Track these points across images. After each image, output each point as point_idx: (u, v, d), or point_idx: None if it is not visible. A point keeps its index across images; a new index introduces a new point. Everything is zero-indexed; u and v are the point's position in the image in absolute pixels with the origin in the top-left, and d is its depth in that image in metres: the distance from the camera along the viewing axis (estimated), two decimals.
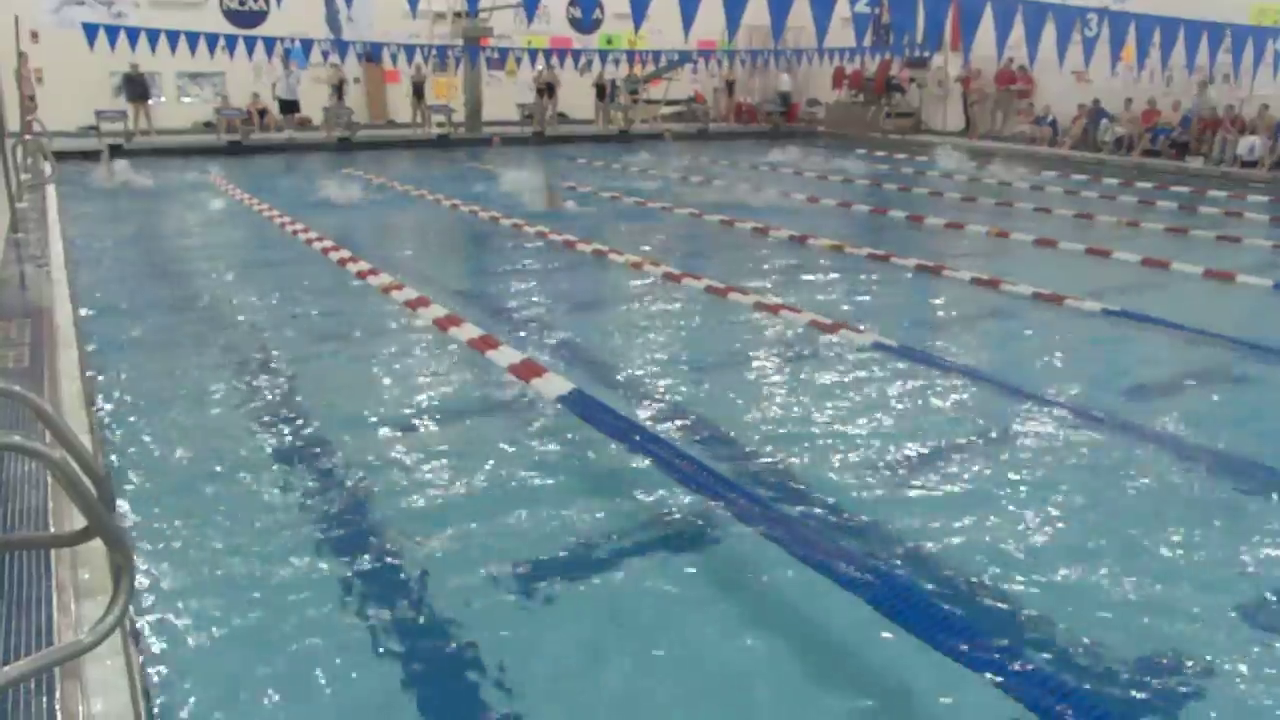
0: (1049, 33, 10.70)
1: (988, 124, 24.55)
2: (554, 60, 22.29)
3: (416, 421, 5.77)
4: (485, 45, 23.56)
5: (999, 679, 3.43)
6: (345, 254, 10.11)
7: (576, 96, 26.02)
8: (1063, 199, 15.76)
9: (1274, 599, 4.04)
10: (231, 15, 22.96)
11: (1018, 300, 8.86)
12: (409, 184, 16.55)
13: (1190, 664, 3.59)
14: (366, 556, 4.23)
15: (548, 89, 25.22)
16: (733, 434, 5.69)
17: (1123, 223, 13.26)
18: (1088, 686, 3.42)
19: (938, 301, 9.13)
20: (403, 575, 4.10)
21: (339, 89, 23.04)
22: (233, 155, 20.66)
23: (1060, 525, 4.66)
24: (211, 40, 18.24)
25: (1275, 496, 4.99)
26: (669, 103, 27.14)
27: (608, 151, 22.32)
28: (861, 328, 7.65)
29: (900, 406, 6.20)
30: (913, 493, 4.99)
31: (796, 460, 5.33)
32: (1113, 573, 4.20)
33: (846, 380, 6.68)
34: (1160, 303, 8.71)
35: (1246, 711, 3.37)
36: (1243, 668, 3.58)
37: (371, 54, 22.58)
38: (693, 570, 4.22)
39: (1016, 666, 3.51)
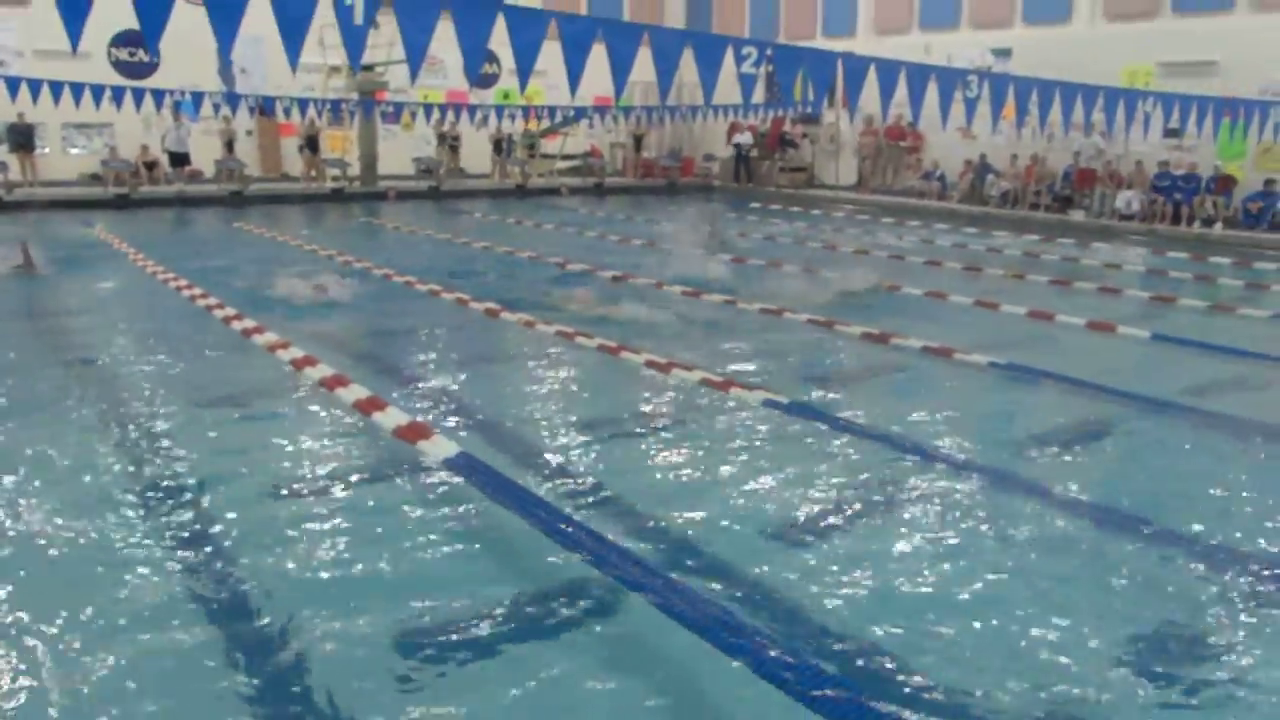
0: (933, 92, 11.04)
1: (879, 179, 25.19)
2: (450, 115, 22.24)
3: (298, 486, 5.57)
4: (381, 99, 23.42)
5: None
6: (230, 311, 9.81)
7: (473, 151, 25.97)
8: (951, 252, 16.18)
9: (1147, 643, 4.14)
10: (120, 66, 22.40)
11: (907, 354, 8.99)
12: (300, 239, 16.25)
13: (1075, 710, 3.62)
14: (242, 631, 4.05)
15: (451, 142, 25.14)
16: (623, 495, 5.61)
17: (1010, 275, 13.66)
18: None
19: (828, 356, 9.21)
20: (280, 651, 3.92)
21: (230, 142, 22.59)
22: (120, 209, 20.04)
23: (944, 577, 4.69)
24: (98, 91, 17.74)
25: (1153, 544, 5.09)
26: (565, 157, 27.26)
27: (505, 207, 22.27)
28: (752, 385, 7.67)
29: (791, 464, 6.18)
30: (804, 550, 4.98)
31: (687, 521, 5.26)
32: (1000, 623, 4.26)
33: (737, 439, 6.65)
34: (1045, 355, 8.94)
35: None
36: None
37: (265, 107, 22.23)
38: (582, 639, 4.12)
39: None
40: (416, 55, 6.78)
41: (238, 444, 6.29)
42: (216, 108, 20.82)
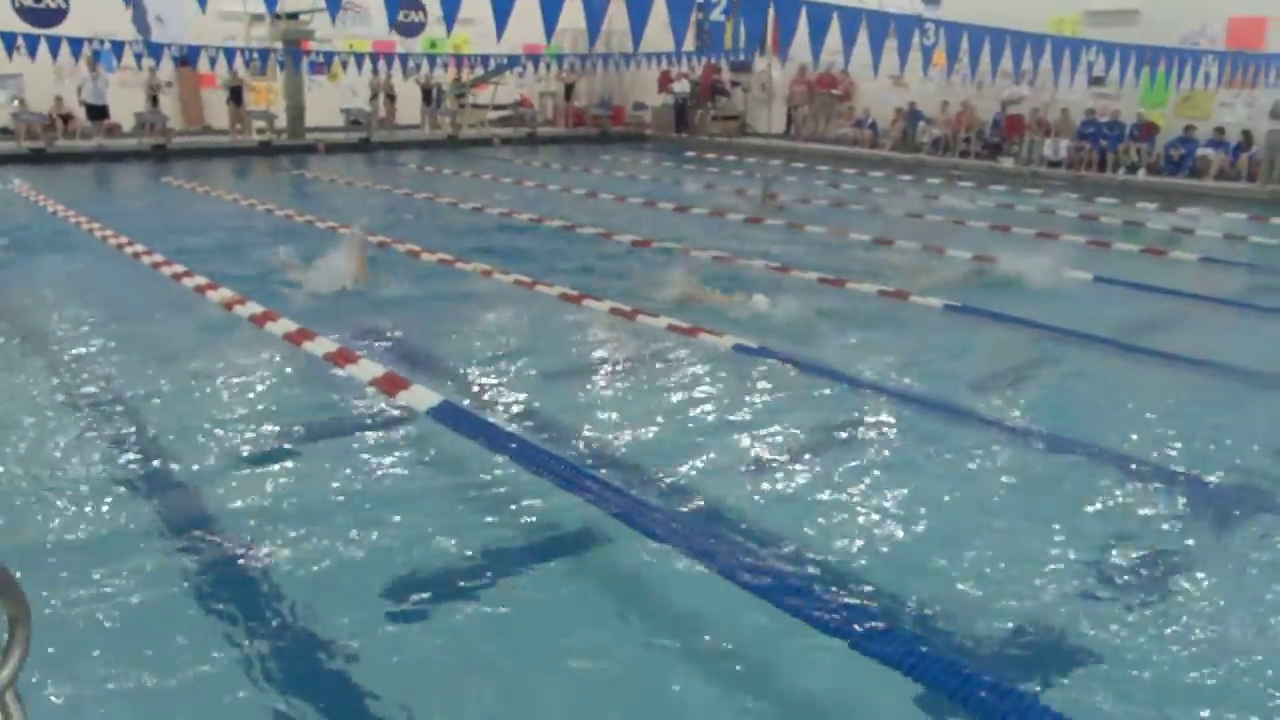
0: (864, 39, 11.10)
1: (810, 127, 25.34)
2: (381, 65, 21.79)
3: (278, 442, 5.53)
4: (307, 49, 22.82)
5: (872, 649, 3.58)
6: (179, 268, 9.59)
7: (401, 102, 25.49)
8: (890, 199, 16.41)
9: (1110, 564, 4.41)
10: (26, 13, 21.46)
11: (865, 299, 9.18)
12: (235, 192, 15.88)
13: (1047, 629, 3.88)
14: (239, 580, 4.05)
15: (388, 92, 24.68)
16: (602, 439, 5.72)
17: (950, 220, 13.92)
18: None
19: (789, 303, 9.31)
20: (282, 597, 3.95)
21: (154, 95, 21.85)
22: (36, 164, 19.31)
23: (912, 508, 4.92)
24: (9, 39, 17.01)
25: (1098, 470, 5.41)
26: (496, 107, 26.91)
27: (438, 157, 21.97)
28: (721, 331, 7.77)
29: (762, 405, 6.37)
30: (779, 484, 5.18)
31: (668, 461, 5.39)
32: (973, 550, 4.49)
33: (709, 382, 6.77)
34: (994, 297, 9.23)
35: (1100, 672, 3.62)
36: (1089, 628, 3.88)
37: (187, 58, 21.50)
38: (577, 572, 4.27)
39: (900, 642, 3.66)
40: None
41: (207, 402, 6.18)
42: (139, 58, 20.08)
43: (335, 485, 5.00)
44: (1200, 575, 4.36)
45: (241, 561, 4.23)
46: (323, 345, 6.95)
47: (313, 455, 5.40)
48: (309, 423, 5.81)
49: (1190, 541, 4.67)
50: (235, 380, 6.52)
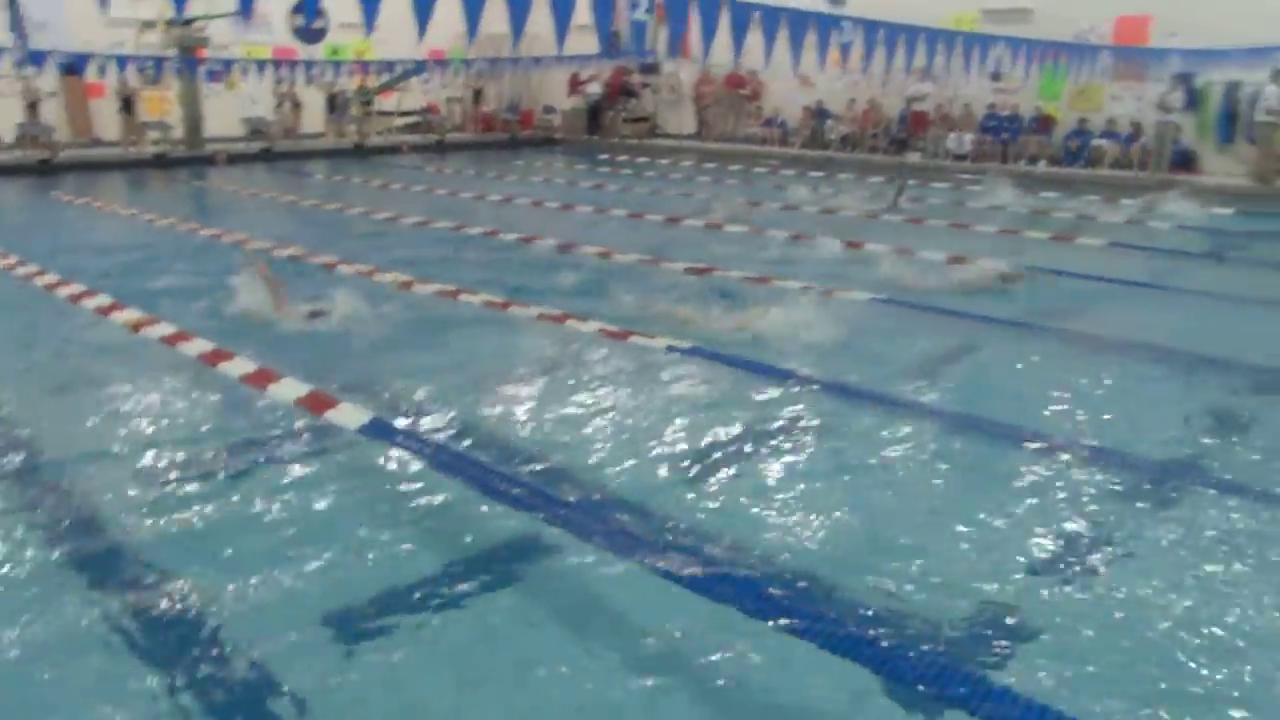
0: (767, 37, 11.14)
1: (721, 127, 25.45)
2: (284, 72, 21.27)
3: (196, 468, 5.26)
4: (203, 56, 22.15)
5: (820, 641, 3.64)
6: (77, 289, 9.17)
7: (305, 110, 24.95)
8: (805, 196, 16.54)
9: (1046, 545, 4.50)
10: None
11: (791, 294, 9.19)
12: (133, 206, 15.32)
13: (990, 611, 3.94)
14: (158, 618, 3.84)
15: (293, 101, 24.08)
16: (536, 447, 5.61)
17: (864, 215, 14.07)
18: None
19: (718, 301, 9.27)
20: (206, 633, 3.75)
21: (34, 104, 20.93)
22: None
23: (850, 499, 4.98)
24: None
25: (1018, 449, 5.56)
26: (403, 114, 26.49)
27: (345, 166, 21.53)
28: (653, 332, 7.70)
29: (702, 403, 6.36)
30: (714, 482, 5.19)
31: (603, 466, 5.37)
32: (902, 533, 4.59)
33: (645, 384, 6.71)
34: (915, 289, 9.40)
35: (1043, 650, 3.68)
36: (1031, 609, 3.94)
37: (74, 65, 20.68)
38: (517, 584, 4.19)
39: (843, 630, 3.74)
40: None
41: (116, 429, 5.86)
42: (19, 64, 19.20)
43: (259, 511, 4.79)
44: (1135, 552, 4.47)
45: (159, 598, 4.00)
46: (241, 366, 6.68)
47: (234, 481, 5.15)
48: (230, 447, 5.56)
49: (1122, 519, 4.78)
50: (147, 405, 6.22)
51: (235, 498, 4.96)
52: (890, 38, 13.68)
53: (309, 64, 21.87)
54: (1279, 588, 4.14)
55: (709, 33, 10.68)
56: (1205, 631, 3.81)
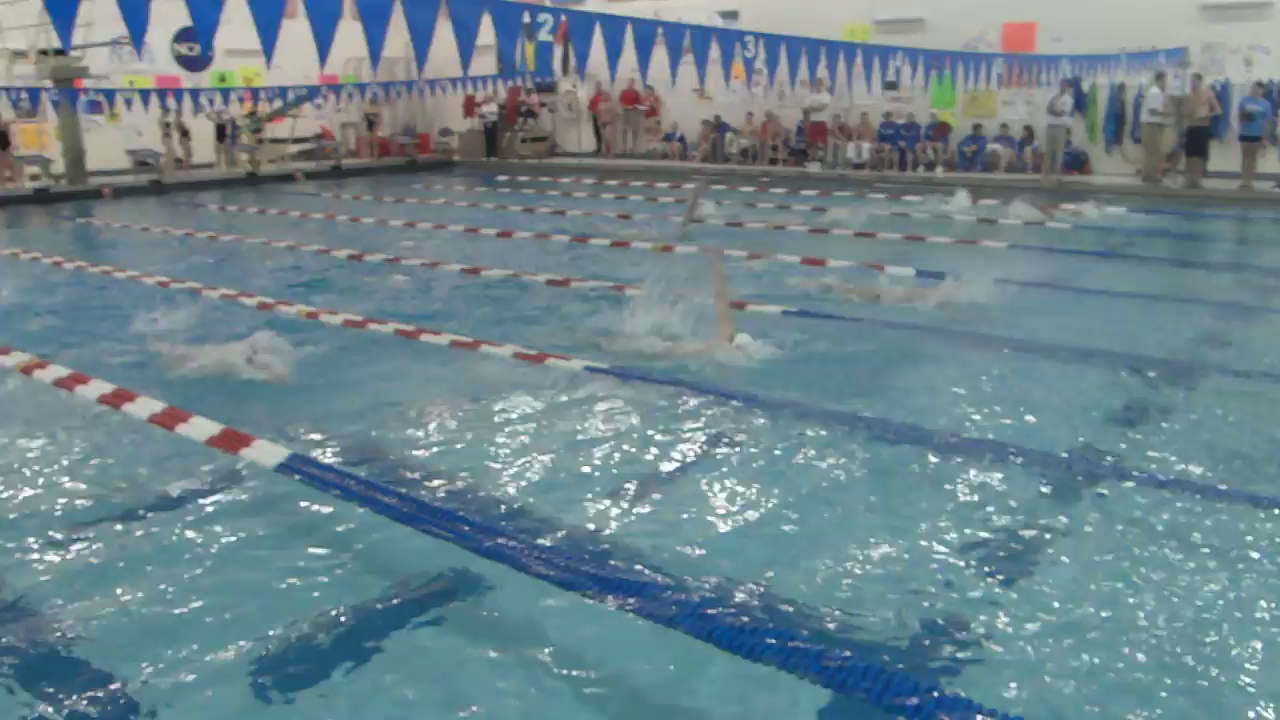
0: (668, 54, 11.08)
1: (620, 143, 25.47)
2: (170, 101, 20.60)
3: (103, 515, 4.98)
4: (81, 87, 21.32)
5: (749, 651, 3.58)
6: None
7: (194, 139, 24.21)
8: (709, 210, 16.54)
9: (972, 544, 4.54)
10: None
11: (702, 309, 9.12)
12: (14, 245, 14.60)
13: (921, 613, 3.97)
14: (71, 683, 3.58)
15: (181, 131, 23.37)
16: (456, 473, 5.48)
17: (771, 227, 14.14)
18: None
19: (631, 320, 9.17)
20: (124, 687, 3.53)
21: None
22: None
23: (774, 509, 5.01)
24: None
25: (935, 452, 5.62)
26: (296, 140, 25.91)
27: (239, 196, 20.94)
28: (569, 354, 7.56)
29: (622, 422, 6.28)
30: (649, 501, 5.14)
31: (528, 489, 5.29)
32: (836, 543, 4.60)
33: (564, 407, 6.58)
34: (823, 300, 9.51)
35: (972, 648, 3.74)
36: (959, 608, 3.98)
37: None
38: (447, 618, 4.06)
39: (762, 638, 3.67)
40: (139, 29, 6.10)
41: (13, 477, 5.54)
42: None
43: (174, 557, 4.55)
44: (1055, 544, 4.55)
45: (69, 650, 3.79)
46: (146, 406, 6.34)
47: (146, 526, 4.89)
48: (140, 491, 5.28)
49: (1037, 514, 4.86)
50: (45, 451, 5.88)
51: (140, 539, 4.75)
52: (788, 50, 13.78)
53: (195, 92, 21.22)
54: (1196, 573, 4.24)
55: (614, 51, 10.59)
56: (1138, 621, 3.88)
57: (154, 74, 23.13)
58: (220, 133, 24.23)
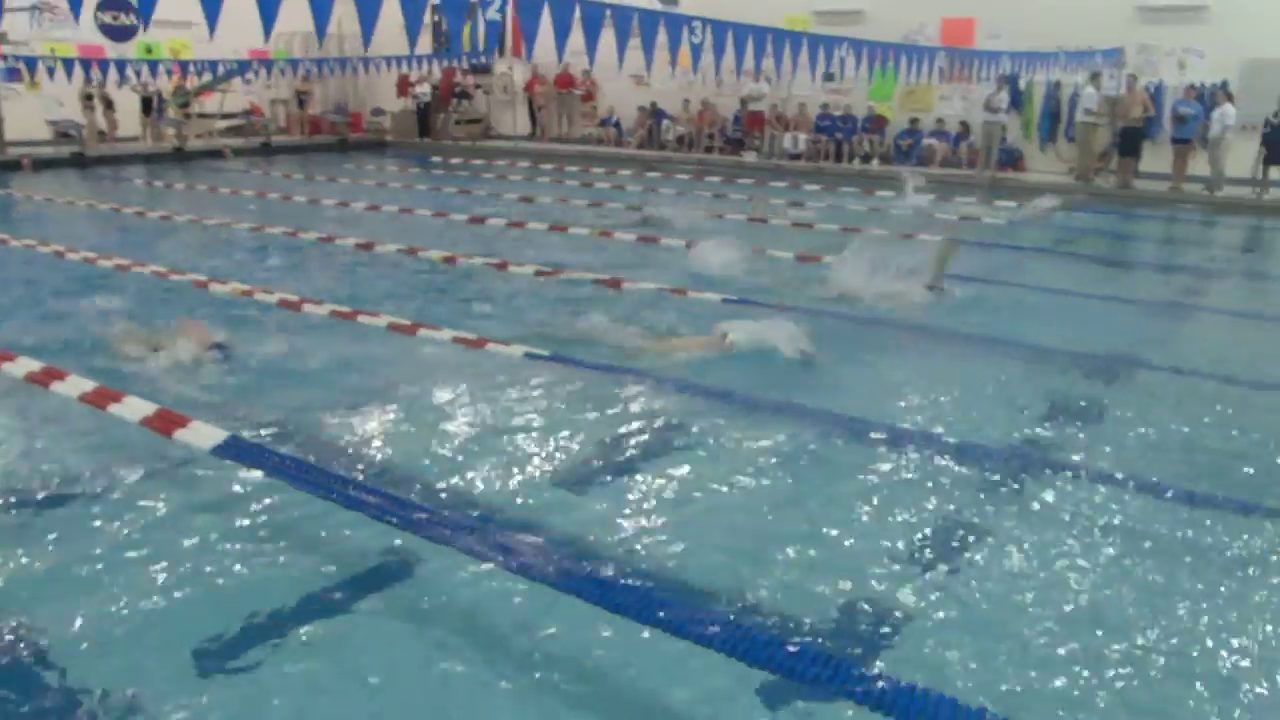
0: (610, 37, 11.02)
1: (555, 128, 25.30)
2: (95, 71, 19.95)
3: (29, 502, 4.81)
4: None
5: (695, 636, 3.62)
6: None
7: (119, 112, 23.50)
8: (642, 196, 16.54)
9: (913, 537, 4.62)
10: None
11: (647, 294, 9.12)
12: None
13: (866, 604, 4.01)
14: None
15: (105, 103, 22.64)
16: (396, 458, 5.43)
17: (709, 214, 14.14)
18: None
19: (570, 304, 9.12)
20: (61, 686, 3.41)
21: None
22: None
23: (711, 496, 5.02)
24: None
25: (877, 446, 5.67)
26: (225, 116, 25.28)
27: (165, 172, 20.39)
28: (510, 340, 7.48)
29: (563, 409, 6.25)
30: (594, 489, 5.12)
31: (474, 474, 5.22)
32: (787, 537, 4.58)
33: (509, 391, 6.52)
34: (764, 289, 9.52)
35: (917, 637, 3.78)
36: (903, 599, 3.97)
37: None
38: (388, 602, 4.01)
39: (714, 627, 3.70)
40: None
41: None
42: None
43: (104, 542, 4.42)
44: (994, 536, 4.62)
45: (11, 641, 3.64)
46: (76, 385, 6.13)
47: (73, 509, 4.74)
48: (70, 473, 5.10)
49: (979, 507, 4.93)
50: None
51: (66, 522, 4.60)
52: (734, 37, 13.76)
53: (122, 63, 20.60)
54: (1132, 567, 4.34)
55: (562, 32, 10.48)
56: (1076, 611, 3.97)
57: (76, 42, 22.40)
58: (146, 106, 23.56)
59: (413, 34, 9.48)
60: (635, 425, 5.95)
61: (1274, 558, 4.47)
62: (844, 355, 7.56)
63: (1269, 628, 3.88)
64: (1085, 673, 3.56)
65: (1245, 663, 3.67)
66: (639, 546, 4.43)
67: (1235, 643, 3.77)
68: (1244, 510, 4.90)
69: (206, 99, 24.64)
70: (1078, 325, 8.59)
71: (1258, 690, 3.51)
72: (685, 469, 5.36)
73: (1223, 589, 4.17)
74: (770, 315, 7.73)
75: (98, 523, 4.61)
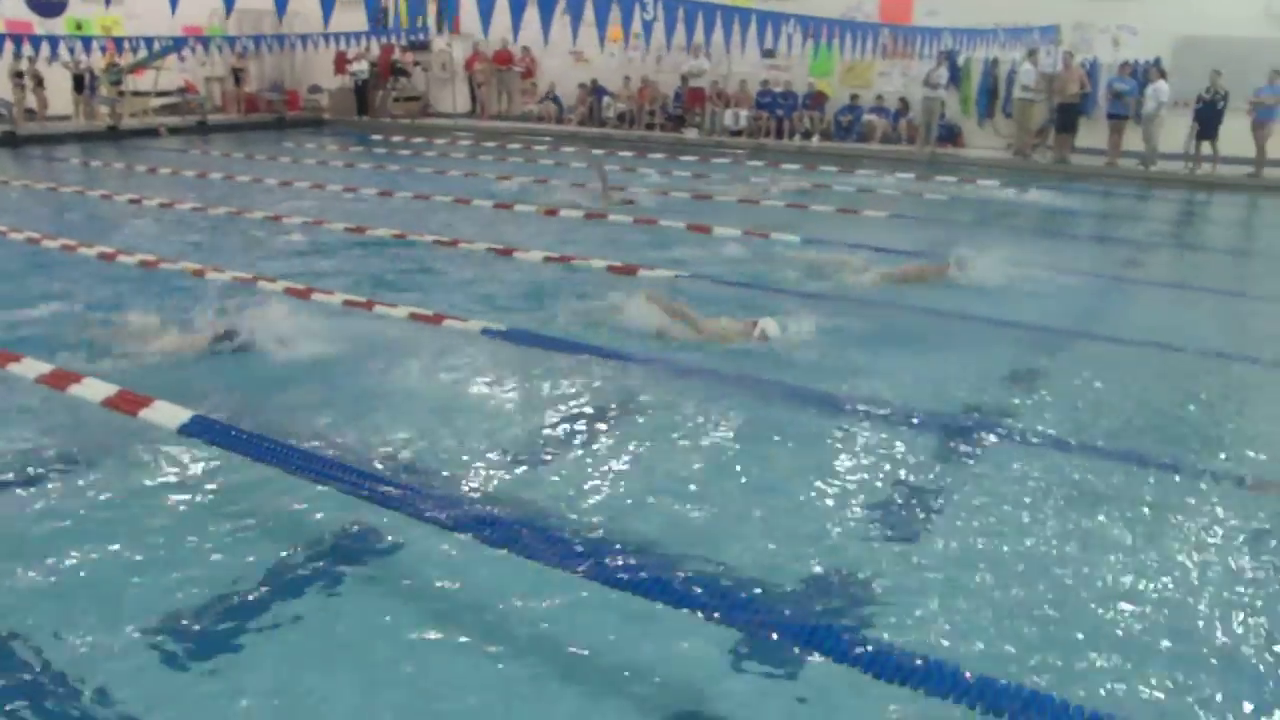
0: (545, 13, 11.00)
1: (495, 105, 25.18)
2: (25, 47, 19.47)
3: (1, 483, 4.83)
4: None
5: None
6: None
7: (50, 90, 22.92)
8: (587, 174, 16.57)
9: (879, 504, 4.78)
10: None
11: (594, 274, 9.23)
12: None
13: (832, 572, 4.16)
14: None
15: (35, 80, 22.10)
16: (356, 433, 5.50)
17: (656, 192, 14.24)
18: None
19: (520, 281, 9.17)
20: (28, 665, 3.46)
21: None
22: None
23: (683, 473, 5.11)
24: None
25: (837, 416, 5.84)
26: (160, 94, 24.78)
27: (100, 151, 19.99)
28: (466, 315, 7.55)
29: (523, 384, 6.40)
30: (547, 460, 5.27)
31: (437, 449, 5.34)
32: (745, 505, 4.74)
33: (467, 367, 6.64)
34: (712, 265, 9.67)
35: (880, 601, 3.94)
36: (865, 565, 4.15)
37: None
38: (365, 573, 4.13)
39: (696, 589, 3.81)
40: None
41: None
42: None
43: (70, 523, 4.45)
44: (953, 501, 4.82)
45: None
46: (32, 367, 6.11)
47: (37, 491, 4.76)
48: (31, 456, 5.11)
49: (941, 475, 5.14)
50: None
51: (30, 503, 4.63)
52: (674, 14, 13.84)
53: (54, 40, 20.11)
54: (1088, 530, 4.55)
55: (486, 7, 10.50)
56: (1044, 573, 4.17)
57: (3, 18, 21.84)
58: (78, 83, 23.02)
59: (326, 10, 9.45)
60: (591, 399, 6.08)
61: (1205, 508, 4.75)
62: (799, 326, 7.69)
63: (1196, 571, 4.16)
64: (1035, 626, 3.77)
65: (1182, 595, 3.95)
66: (607, 515, 4.56)
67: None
68: (1175, 467, 5.18)
69: (140, 77, 24.14)
70: (1023, 298, 8.80)
71: (1187, 622, 3.79)
72: (642, 440, 5.50)
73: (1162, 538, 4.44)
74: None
75: (59, 502, 4.65)
